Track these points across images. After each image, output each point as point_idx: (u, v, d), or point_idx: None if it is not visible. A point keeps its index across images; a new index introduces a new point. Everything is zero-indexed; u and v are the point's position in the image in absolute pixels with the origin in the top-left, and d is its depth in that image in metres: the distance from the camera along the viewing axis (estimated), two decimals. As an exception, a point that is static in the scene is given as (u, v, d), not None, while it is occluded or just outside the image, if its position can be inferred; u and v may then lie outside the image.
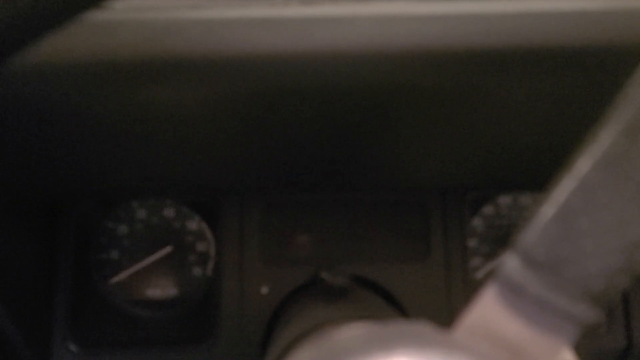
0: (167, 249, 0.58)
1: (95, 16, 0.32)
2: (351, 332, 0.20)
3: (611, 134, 0.19)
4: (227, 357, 0.55)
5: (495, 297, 0.20)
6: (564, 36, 0.33)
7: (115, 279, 0.57)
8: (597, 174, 0.19)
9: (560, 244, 0.19)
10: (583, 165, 0.19)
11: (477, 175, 0.53)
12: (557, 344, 0.20)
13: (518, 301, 0.20)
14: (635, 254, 0.19)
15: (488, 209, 0.60)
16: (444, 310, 0.56)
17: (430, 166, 0.49)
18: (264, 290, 0.55)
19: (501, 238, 0.60)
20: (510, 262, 0.20)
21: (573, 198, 0.19)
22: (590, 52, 0.33)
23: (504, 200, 0.60)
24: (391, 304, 0.54)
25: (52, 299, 0.55)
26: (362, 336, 0.19)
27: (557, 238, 0.19)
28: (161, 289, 0.57)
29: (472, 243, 0.59)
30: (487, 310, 0.20)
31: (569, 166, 0.20)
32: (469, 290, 0.57)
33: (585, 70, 0.34)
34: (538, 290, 0.19)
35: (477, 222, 0.59)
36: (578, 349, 0.24)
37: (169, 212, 0.58)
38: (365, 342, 0.18)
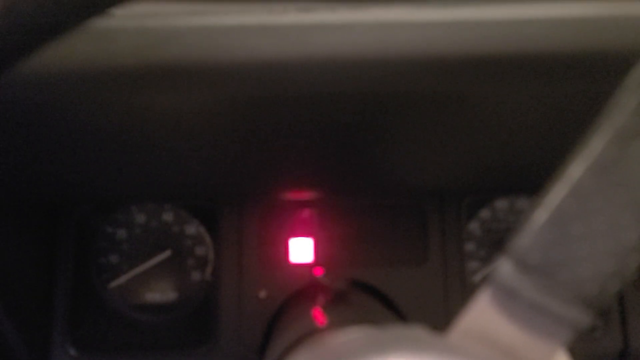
0: (166, 253, 0.58)
1: (96, 23, 0.32)
2: (347, 337, 0.20)
3: (602, 140, 0.19)
4: (225, 361, 0.55)
5: (489, 301, 0.20)
6: (558, 43, 0.33)
7: (115, 283, 0.57)
8: (589, 179, 0.19)
9: (553, 249, 0.20)
10: (575, 171, 0.20)
11: (474, 180, 0.53)
12: (551, 347, 0.20)
13: (512, 305, 0.20)
14: (628, 259, 0.20)
15: (485, 213, 0.60)
16: (441, 313, 0.56)
17: (427, 171, 0.49)
18: (262, 294, 0.55)
19: (498, 242, 0.60)
20: (504, 267, 0.20)
21: (566, 203, 0.20)
22: (583, 59, 0.33)
23: (501, 204, 0.60)
24: (389, 308, 0.55)
25: (52, 303, 0.55)
26: (358, 340, 0.19)
27: (550, 242, 0.20)
28: (160, 293, 0.58)
29: (469, 247, 0.59)
30: (482, 314, 0.20)
31: (562, 172, 0.20)
32: (466, 293, 0.57)
33: (578, 77, 0.34)
34: (532, 294, 0.20)
35: (474, 226, 0.60)
36: (575, 352, 0.24)
37: (167, 216, 0.58)
38: (361, 346, 0.19)
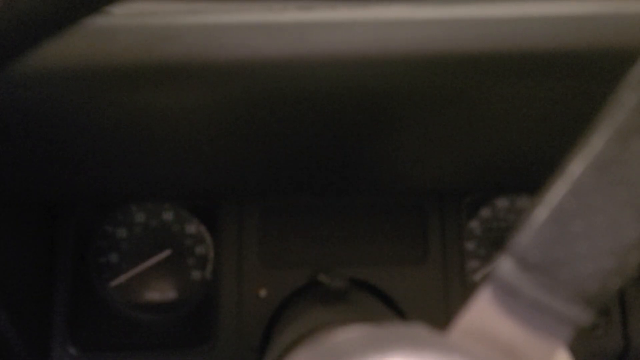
0: (166, 253, 0.58)
1: (95, 21, 0.32)
2: (347, 335, 0.20)
3: (603, 138, 0.19)
4: (225, 360, 0.55)
5: (490, 299, 0.20)
6: (558, 41, 0.33)
7: (115, 283, 0.57)
8: (590, 177, 0.19)
9: (553, 246, 0.20)
10: (576, 168, 0.20)
11: (474, 178, 0.53)
12: (551, 345, 0.20)
13: (513, 303, 0.20)
14: (628, 256, 0.19)
15: (485, 212, 0.60)
16: (441, 312, 0.56)
17: (427, 169, 0.49)
18: (263, 293, 0.55)
19: (498, 240, 0.60)
20: (504, 265, 0.20)
21: (566, 201, 0.20)
22: (583, 57, 0.33)
23: (501, 202, 0.60)
24: (389, 307, 0.55)
25: (52, 303, 0.55)
26: (358, 338, 0.19)
27: (550, 240, 0.20)
28: (160, 292, 0.58)
29: (469, 245, 0.59)
30: (482, 312, 0.20)
31: (562, 169, 0.20)
32: (466, 292, 0.57)
33: (578, 74, 0.34)
34: (532, 292, 0.20)
35: (474, 225, 0.60)
36: (576, 350, 0.24)
37: (167, 215, 0.58)
38: (361, 344, 0.19)
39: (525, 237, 0.20)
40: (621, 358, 0.58)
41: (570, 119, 0.38)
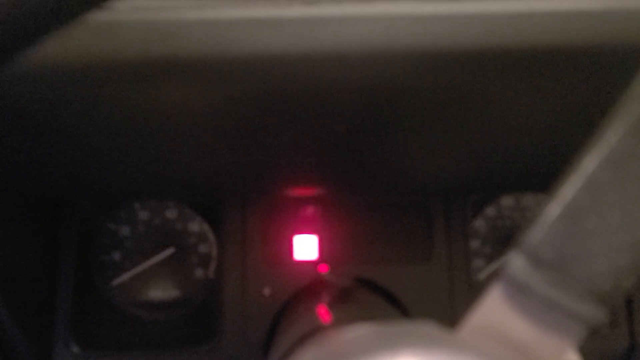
0: (169, 251, 0.57)
1: (98, 16, 0.31)
2: (356, 333, 0.20)
3: (618, 132, 0.19)
4: (229, 359, 0.54)
5: (500, 297, 0.20)
6: (567, 36, 0.33)
7: (117, 281, 0.57)
8: (604, 172, 0.19)
9: (566, 243, 0.19)
10: (590, 163, 0.19)
11: (479, 177, 0.53)
12: (563, 343, 0.20)
13: (524, 300, 0.20)
14: None
15: (490, 210, 0.60)
16: (446, 311, 0.56)
17: (432, 168, 0.49)
18: (267, 291, 0.55)
19: (504, 239, 0.59)
20: (515, 261, 0.20)
21: (580, 196, 0.19)
22: (593, 52, 0.33)
23: (506, 201, 0.60)
24: (394, 306, 0.54)
25: (54, 301, 0.55)
26: (367, 336, 0.19)
27: (563, 237, 0.19)
28: (163, 291, 0.57)
29: (474, 244, 0.59)
30: (493, 309, 0.20)
31: (576, 165, 0.20)
32: (471, 291, 0.56)
33: (587, 70, 0.34)
34: (544, 289, 0.19)
35: (479, 223, 0.59)
36: (582, 349, 0.24)
37: (171, 213, 0.58)
38: (370, 342, 0.18)
39: (537, 233, 0.19)
40: (627, 358, 0.57)
41: (577, 116, 0.38)
